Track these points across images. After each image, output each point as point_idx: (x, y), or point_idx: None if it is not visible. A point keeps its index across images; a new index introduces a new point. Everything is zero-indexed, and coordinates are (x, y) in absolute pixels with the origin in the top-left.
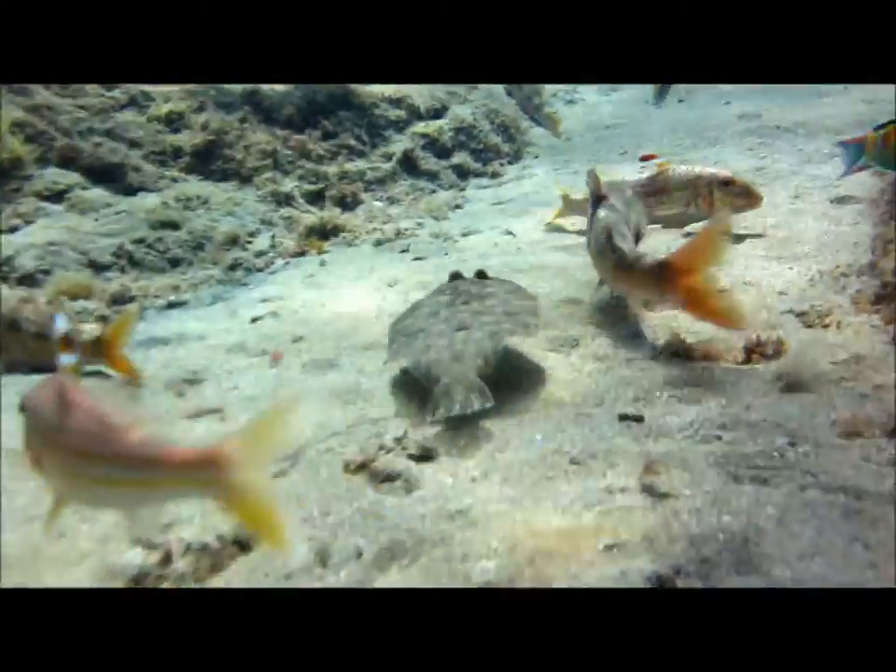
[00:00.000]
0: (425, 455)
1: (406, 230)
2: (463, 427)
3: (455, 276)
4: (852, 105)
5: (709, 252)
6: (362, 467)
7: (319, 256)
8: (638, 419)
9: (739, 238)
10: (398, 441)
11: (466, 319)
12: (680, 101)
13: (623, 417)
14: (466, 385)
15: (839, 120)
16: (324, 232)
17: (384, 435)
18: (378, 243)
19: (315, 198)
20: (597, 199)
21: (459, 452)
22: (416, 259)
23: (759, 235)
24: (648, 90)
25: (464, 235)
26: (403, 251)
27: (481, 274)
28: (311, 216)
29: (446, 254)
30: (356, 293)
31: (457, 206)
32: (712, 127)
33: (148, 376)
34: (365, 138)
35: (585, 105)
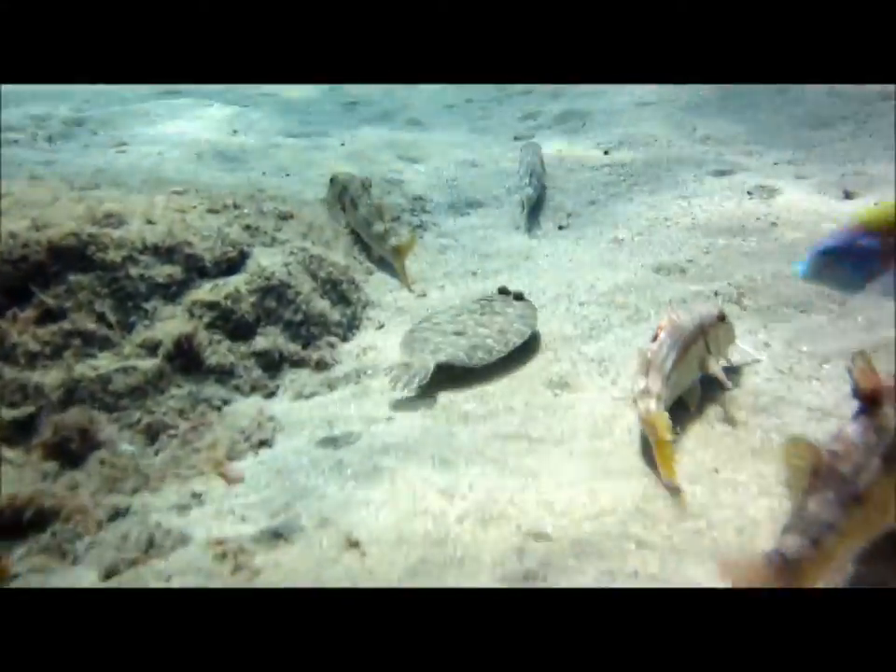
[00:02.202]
0: None
1: (168, 533)
2: None
3: (502, 291)
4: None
5: None
6: None
7: None
8: None
9: None
10: None
11: (468, 327)
12: (561, 227)
13: None
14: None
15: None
16: (17, 526)
17: None
18: (110, 572)
19: (17, 437)
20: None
21: None
22: None
23: None
24: (516, 209)
25: (272, 539)
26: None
27: (518, 296)
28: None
29: None
30: None
31: (262, 443)
32: (625, 287)
33: None
34: (112, 317)
35: (439, 232)
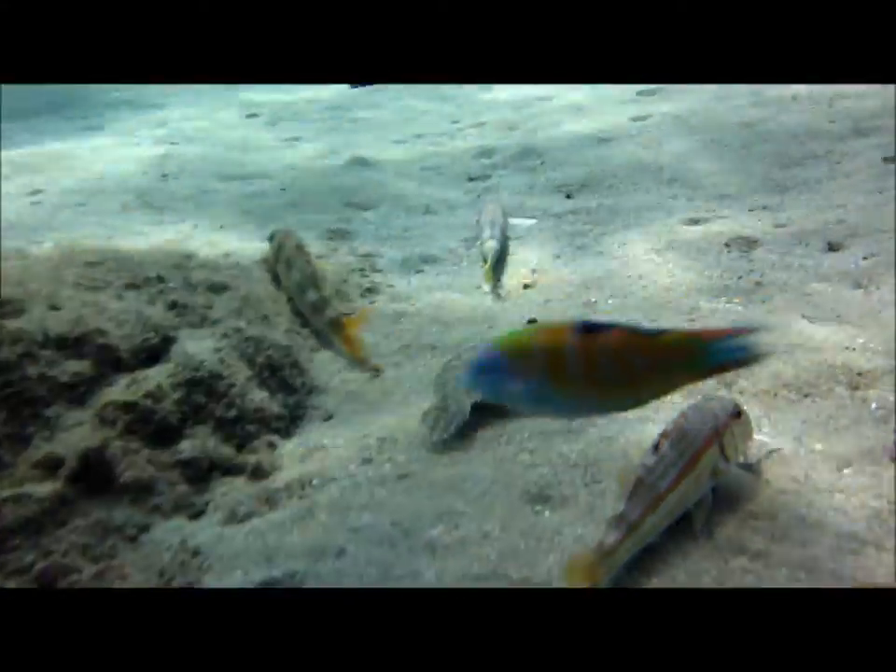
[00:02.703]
0: None
1: None
2: None
3: (532, 322)
4: None
5: None
6: None
7: None
8: None
9: None
10: None
11: None
12: (526, 287)
13: None
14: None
15: None
16: None
17: None
18: None
19: None
20: None
21: None
22: None
23: None
24: (475, 265)
25: None
26: None
27: None
28: None
29: None
30: None
31: None
32: None
33: None
34: (2, 430)
35: (393, 295)
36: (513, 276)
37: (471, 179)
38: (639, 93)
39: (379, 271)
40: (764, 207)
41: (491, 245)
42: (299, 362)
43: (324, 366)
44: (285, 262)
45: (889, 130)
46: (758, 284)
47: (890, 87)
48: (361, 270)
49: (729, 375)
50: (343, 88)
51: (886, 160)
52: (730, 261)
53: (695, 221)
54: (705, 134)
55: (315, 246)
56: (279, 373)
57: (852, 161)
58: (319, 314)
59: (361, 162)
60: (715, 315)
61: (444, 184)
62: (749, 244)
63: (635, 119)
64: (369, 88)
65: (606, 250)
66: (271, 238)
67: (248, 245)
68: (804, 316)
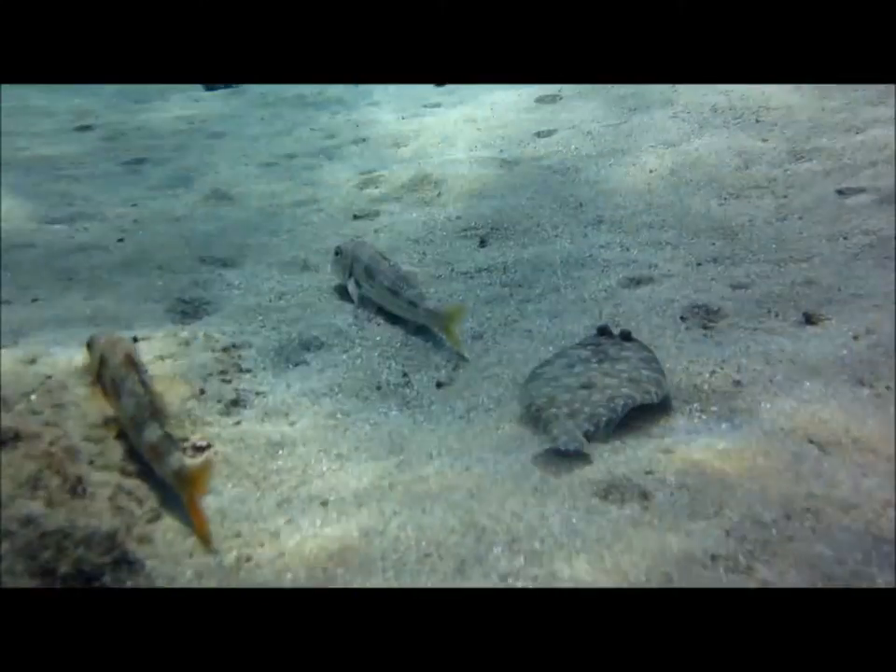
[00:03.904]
0: None
1: None
2: None
3: (603, 331)
4: None
5: None
6: None
7: None
8: None
9: None
10: None
11: (594, 378)
12: (440, 385)
13: None
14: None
15: None
16: None
17: None
18: None
19: None
20: None
21: None
22: None
23: None
24: (377, 339)
25: None
26: None
27: (625, 336)
28: None
29: None
30: None
31: None
32: (564, 540)
33: None
34: None
35: (266, 408)
36: (421, 367)
37: (357, 217)
38: (538, 100)
39: (247, 371)
40: (715, 260)
41: (429, 307)
42: (128, 554)
43: (169, 546)
44: (111, 384)
45: (830, 152)
46: (737, 384)
47: (815, 97)
48: (222, 372)
49: (742, 558)
50: (197, 90)
51: (841, 193)
52: (693, 344)
53: (637, 281)
54: (622, 157)
55: (159, 336)
56: (96, 583)
57: (800, 193)
58: (161, 460)
59: (220, 197)
60: (696, 442)
61: (324, 225)
62: (709, 315)
63: (539, 135)
64: (227, 91)
65: (534, 327)
66: (89, 345)
67: (69, 340)
68: (812, 442)
